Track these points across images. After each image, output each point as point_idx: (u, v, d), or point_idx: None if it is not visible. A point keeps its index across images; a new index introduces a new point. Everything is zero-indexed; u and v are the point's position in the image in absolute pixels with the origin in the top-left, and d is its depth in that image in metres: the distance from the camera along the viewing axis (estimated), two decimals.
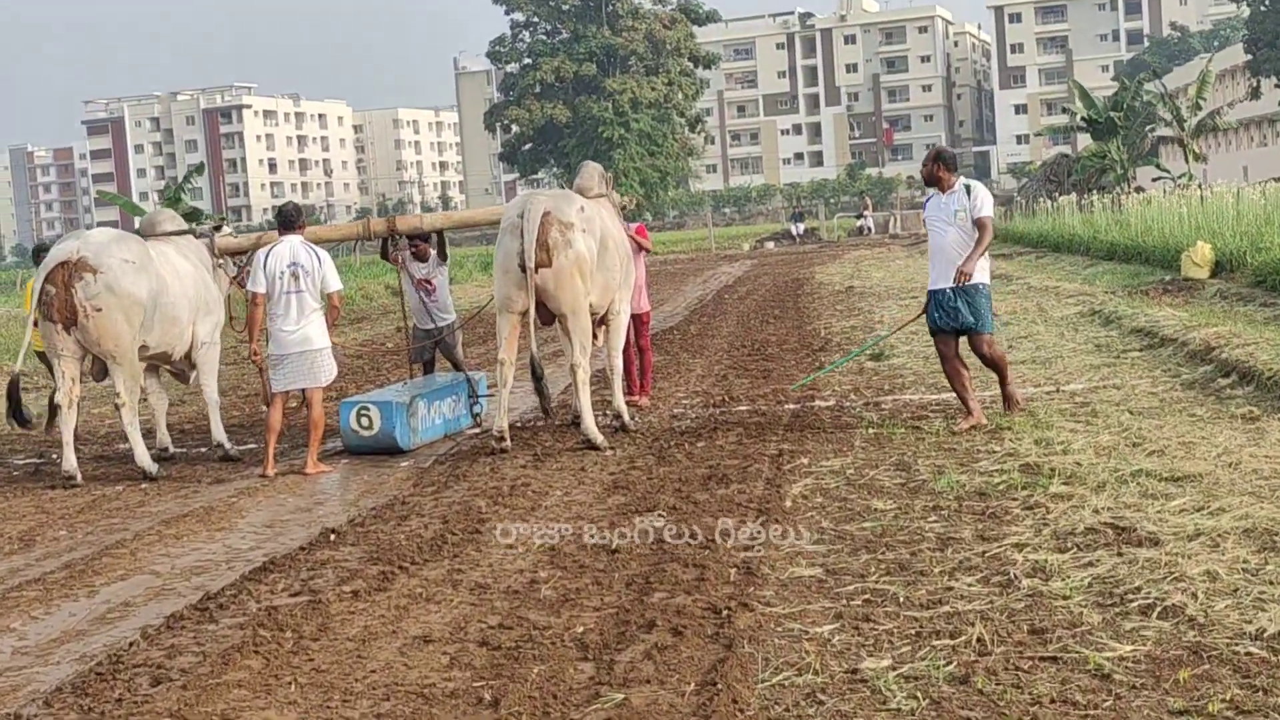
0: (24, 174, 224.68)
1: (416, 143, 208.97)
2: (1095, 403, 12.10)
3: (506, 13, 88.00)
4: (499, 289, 12.13)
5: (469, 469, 11.42)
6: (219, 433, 13.28)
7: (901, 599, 6.84)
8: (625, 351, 14.37)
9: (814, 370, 15.98)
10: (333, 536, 9.08)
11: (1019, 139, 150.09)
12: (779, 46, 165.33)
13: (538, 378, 12.15)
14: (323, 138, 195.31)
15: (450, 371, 14.81)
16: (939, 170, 11.79)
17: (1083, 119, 58.03)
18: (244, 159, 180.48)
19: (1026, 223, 49.92)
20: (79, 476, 11.96)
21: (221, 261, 13.85)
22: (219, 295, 13.65)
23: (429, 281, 14.41)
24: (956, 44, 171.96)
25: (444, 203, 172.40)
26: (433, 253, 14.56)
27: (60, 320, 11.90)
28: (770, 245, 66.91)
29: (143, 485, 11.93)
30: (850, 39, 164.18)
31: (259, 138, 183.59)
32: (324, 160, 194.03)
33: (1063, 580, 6.90)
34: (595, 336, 13.10)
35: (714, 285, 37.99)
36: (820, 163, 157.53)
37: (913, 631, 6.37)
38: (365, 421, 12.55)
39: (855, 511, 8.77)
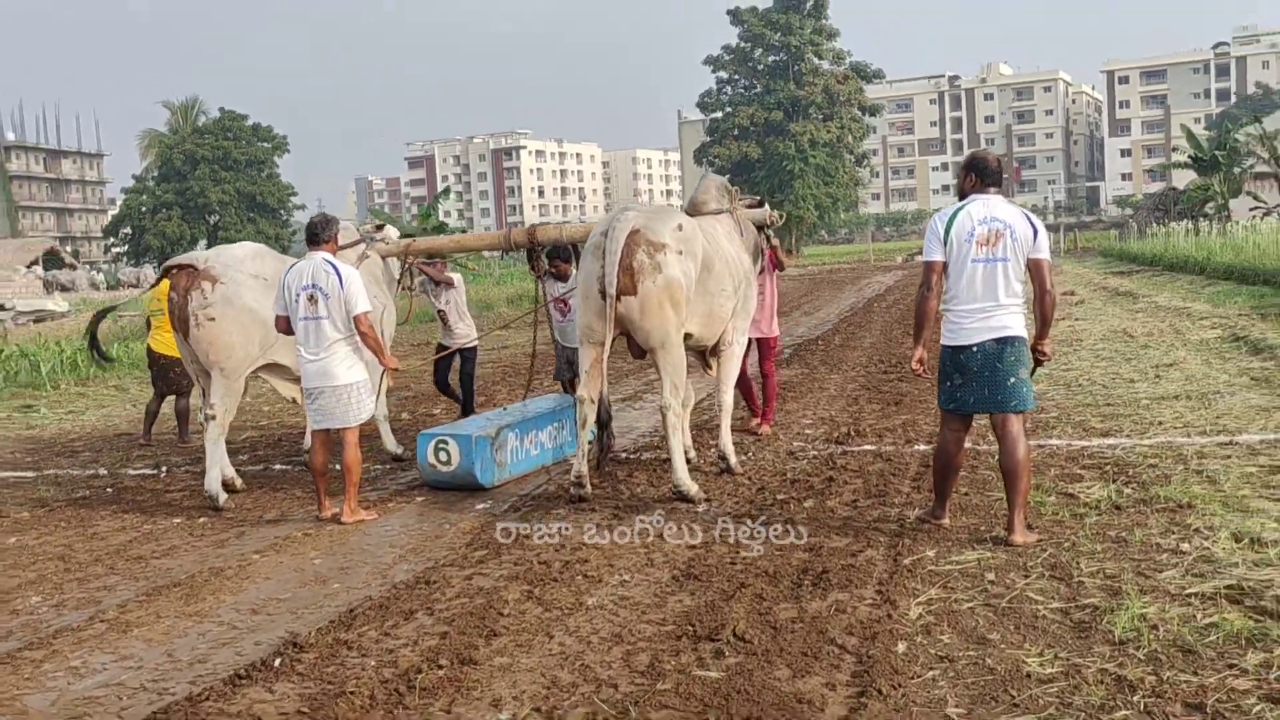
0: (364, 198, 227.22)
1: (649, 175, 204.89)
2: None
3: (713, 71, 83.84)
4: (579, 316, 7.94)
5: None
6: (390, 443, 10.10)
7: None
8: (744, 378, 10.20)
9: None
10: (278, 661, 5.09)
11: (1123, 176, 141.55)
12: (931, 101, 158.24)
13: (601, 423, 8.10)
14: (579, 171, 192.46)
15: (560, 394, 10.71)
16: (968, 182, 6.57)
17: (1190, 157, 51.49)
18: (520, 187, 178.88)
19: (1141, 244, 43.76)
20: (222, 499, 8.47)
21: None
22: (388, 306, 9.94)
23: (564, 302, 10.32)
24: (1074, 100, 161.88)
25: None
26: (574, 272, 10.43)
27: (178, 328, 8.52)
28: (920, 258, 61.09)
29: (200, 519, 8.21)
30: (989, 96, 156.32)
31: (532, 171, 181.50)
32: (579, 189, 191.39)
33: None
34: (708, 368, 8.95)
35: (867, 293, 33.23)
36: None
37: None
38: (444, 456, 8.57)
39: (999, 677, 4.44)
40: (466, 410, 11.39)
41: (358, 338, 7.71)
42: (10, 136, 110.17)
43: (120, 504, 8.92)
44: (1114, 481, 7.42)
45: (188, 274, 8.50)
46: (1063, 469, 7.95)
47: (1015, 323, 6.29)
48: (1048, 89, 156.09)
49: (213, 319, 8.38)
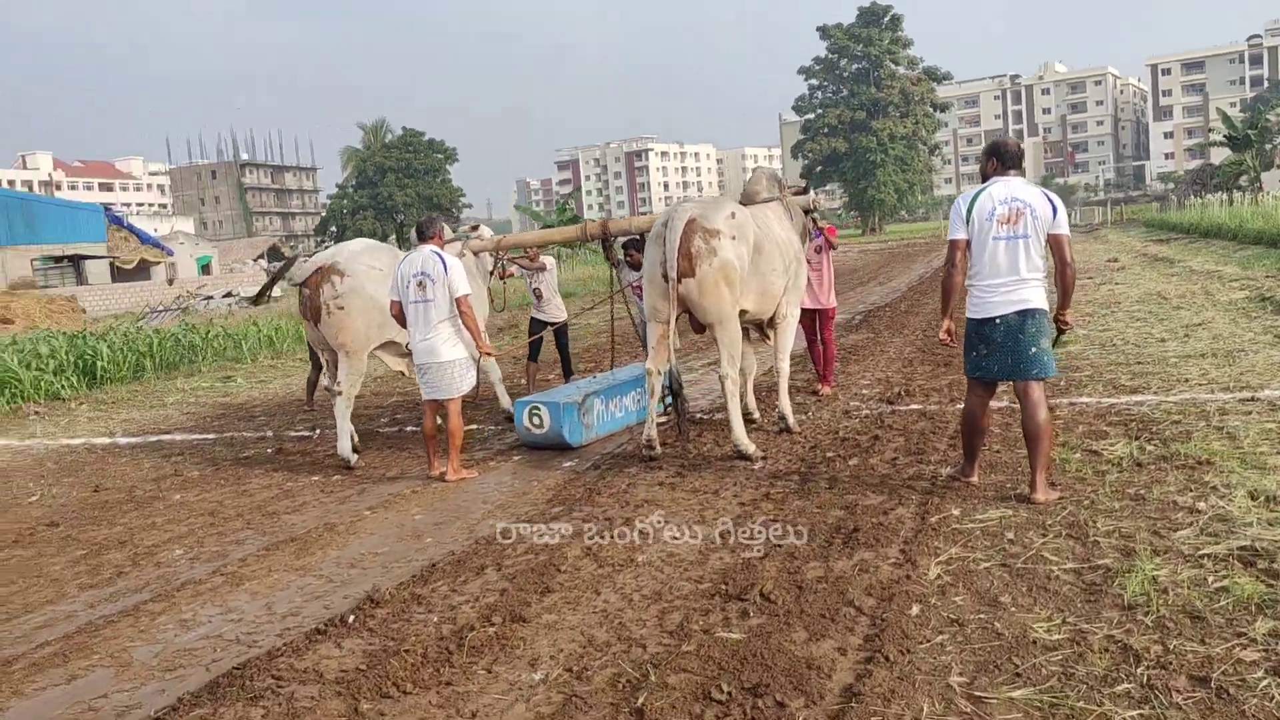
0: (525, 196, 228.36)
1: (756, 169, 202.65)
2: None
3: (806, 79, 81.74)
4: (646, 298, 7.34)
5: (609, 482, 6.87)
6: (505, 402, 9.75)
7: None
8: (813, 346, 9.54)
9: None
10: (353, 617, 4.69)
11: (1166, 156, 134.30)
12: (995, 98, 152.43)
13: (674, 393, 7.49)
14: (697, 168, 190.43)
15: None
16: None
17: (1225, 136, 48.25)
18: (649, 183, 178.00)
19: (1179, 214, 41.16)
20: (353, 460, 8.15)
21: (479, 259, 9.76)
22: (481, 296, 9.52)
23: (638, 288, 9.75)
24: (1122, 91, 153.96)
25: None
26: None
27: (311, 317, 8.20)
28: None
29: (334, 477, 7.92)
30: (1046, 91, 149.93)
31: (658, 169, 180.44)
32: (698, 183, 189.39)
33: None
34: (766, 338, 8.29)
35: (935, 263, 31.79)
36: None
37: None
38: (537, 420, 8.13)
39: (1006, 643, 3.78)
40: (567, 374, 11.02)
41: (459, 319, 7.31)
42: (245, 156, 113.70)
43: (274, 463, 8.69)
44: (1137, 438, 6.59)
45: (317, 271, 8.18)
46: (1090, 426, 7.12)
47: (1036, 296, 5.53)
48: (1098, 83, 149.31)
49: (342, 307, 8.08)
